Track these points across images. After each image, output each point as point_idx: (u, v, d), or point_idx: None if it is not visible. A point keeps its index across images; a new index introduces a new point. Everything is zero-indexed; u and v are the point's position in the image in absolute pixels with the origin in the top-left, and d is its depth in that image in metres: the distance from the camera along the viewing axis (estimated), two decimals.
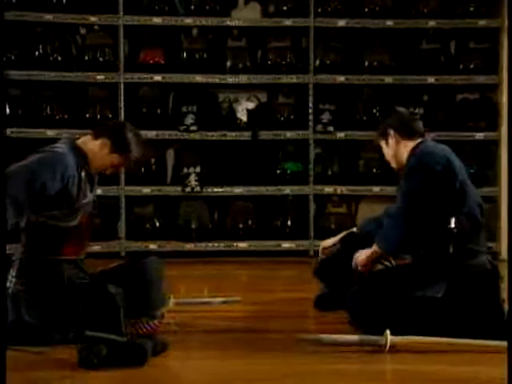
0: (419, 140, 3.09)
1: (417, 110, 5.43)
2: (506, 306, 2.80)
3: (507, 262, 2.79)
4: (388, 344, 2.68)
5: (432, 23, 5.48)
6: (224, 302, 3.51)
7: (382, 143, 3.13)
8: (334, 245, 3.40)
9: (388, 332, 2.69)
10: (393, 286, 2.92)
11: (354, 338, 2.75)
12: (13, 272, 2.81)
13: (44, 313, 2.74)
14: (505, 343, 2.61)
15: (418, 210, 2.86)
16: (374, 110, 5.45)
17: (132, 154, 2.92)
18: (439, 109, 5.53)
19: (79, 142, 2.94)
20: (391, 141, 3.07)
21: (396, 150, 3.06)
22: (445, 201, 2.89)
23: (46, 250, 2.79)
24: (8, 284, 2.80)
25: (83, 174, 2.87)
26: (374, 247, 2.96)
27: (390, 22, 5.43)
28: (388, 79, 5.41)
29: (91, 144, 2.92)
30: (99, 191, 5.17)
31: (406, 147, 3.04)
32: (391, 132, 3.06)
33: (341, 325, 3.03)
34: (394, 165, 3.12)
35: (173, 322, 3.21)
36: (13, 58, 5.24)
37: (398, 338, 2.70)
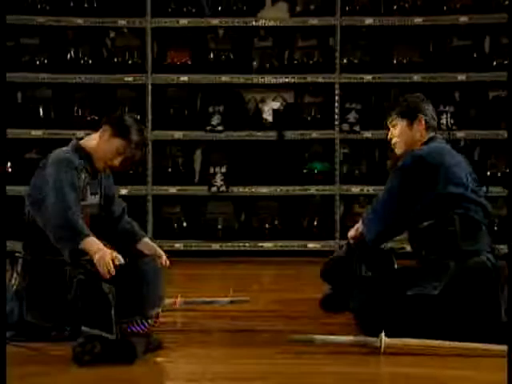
0: (431, 135, 3.05)
1: (447, 108, 5.33)
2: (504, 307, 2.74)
3: (507, 262, 2.73)
4: (383, 346, 2.64)
5: (464, 19, 5.34)
6: (231, 302, 3.52)
7: (402, 123, 3.03)
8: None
9: (383, 334, 2.66)
10: (391, 286, 2.89)
11: (347, 339, 2.72)
12: (17, 269, 2.89)
13: (44, 312, 2.81)
14: (502, 347, 2.58)
15: (397, 209, 2.87)
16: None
17: (132, 137, 2.93)
18: (471, 107, 5.40)
19: (82, 141, 3.01)
20: (417, 126, 3.01)
21: (416, 136, 3.01)
22: (429, 203, 2.84)
23: (46, 250, 2.83)
24: (13, 281, 2.88)
25: (83, 175, 2.92)
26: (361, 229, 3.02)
27: (419, 19, 5.34)
28: (416, 77, 5.32)
29: (92, 137, 2.98)
30: (125, 191, 5.33)
31: (423, 137, 3.01)
32: (422, 118, 3.00)
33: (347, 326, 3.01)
34: (400, 150, 3.06)
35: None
36: (45, 61, 5.42)
37: (393, 340, 2.67)
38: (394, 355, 2.64)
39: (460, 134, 5.34)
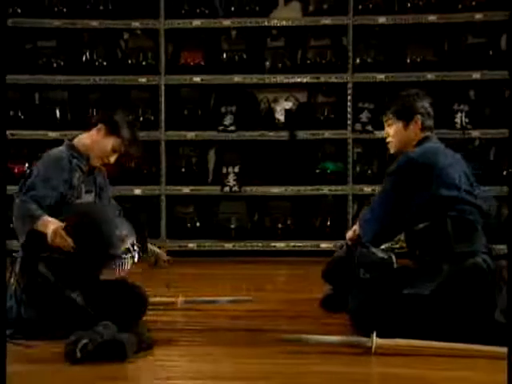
0: (427, 134, 3.02)
1: (461, 107, 5.27)
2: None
3: (507, 262, 2.69)
4: (374, 346, 2.64)
5: (479, 16, 5.27)
6: (232, 301, 3.54)
7: (398, 123, 3.01)
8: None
9: (374, 334, 2.65)
10: (385, 287, 2.89)
11: (339, 339, 2.72)
12: (15, 269, 2.95)
13: (40, 310, 2.85)
14: (495, 348, 2.55)
15: (392, 210, 2.86)
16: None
17: (125, 135, 2.99)
18: (486, 105, 5.32)
19: (75, 141, 3.06)
20: (413, 127, 2.99)
21: (410, 136, 2.99)
22: (424, 204, 2.83)
23: (42, 249, 2.88)
24: (12, 281, 2.94)
25: (77, 174, 2.98)
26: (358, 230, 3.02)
27: (433, 17, 5.28)
28: (430, 76, 5.27)
29: (86, 136, 3.04)
30: (138, 191, 5.39)
31: (417, 137, 2.99)
32: (419, 119, 2.98)
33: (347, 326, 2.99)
34: (394, 149, 3.05)
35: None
36: (62, 63, 5.50)
37: (385, 341, 2.66)
38: (386, 355, 2.64)
39: (475, 133, 5.28)
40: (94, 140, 2.99)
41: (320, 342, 2.72)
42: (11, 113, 5.53)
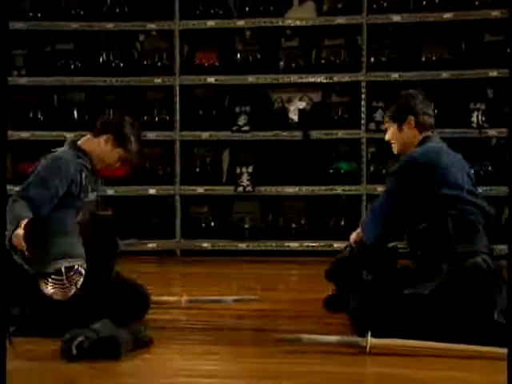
0: (427, 133, 3.01)
1: (478, 106, 5.20)
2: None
3: (507, 262, 2.66)
4: (369, 346, 2.63)
5: (496, 13, 5.20)
6: (237, 301, 3.55)
7: (394, 126, 3.03)
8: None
9: (369, 334, 2.64)
10: (385, 288, 2.88)
11: (334, 338, 2.72)
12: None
13: (42, 306, 2.89)
14: (493, 349, 2.52)
15: (394, 212, 2.82)
16: (432, 107, 5.25)
17: (133, 147, 3.06)
18: (503, 104, 5.24)
19: (80, 142, 3.11)
20: (407, 129, 2.99)
21: (408, 138, 3.00)
22: (426, 204, 2.80)
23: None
24: None
25: (83, 174, 3.02)
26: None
27: (448, 15, 5.23)
28: (445, 74, 5.21)
29: (93, 142, 3.08)
30: (153, 191, 5.44)
31: (416, 138, 2.99)
32: (412, 120, 2.98)
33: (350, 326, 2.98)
34: (397, 151, 3.07)
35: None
36: (79, 65, 5.58)
37: (380, 341, 2.65)
38: (382, 355, 2.63)
39: (491, 132, 5.21)
40: (101, 149, 3.05)
41: (318, 341, 2.72)
42: (31, 114, 5.63)
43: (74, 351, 2.58)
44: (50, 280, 2.71)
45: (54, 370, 2.53)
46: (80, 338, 2.60)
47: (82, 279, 2.74)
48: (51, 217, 2.84)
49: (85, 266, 2.76)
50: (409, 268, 2.96)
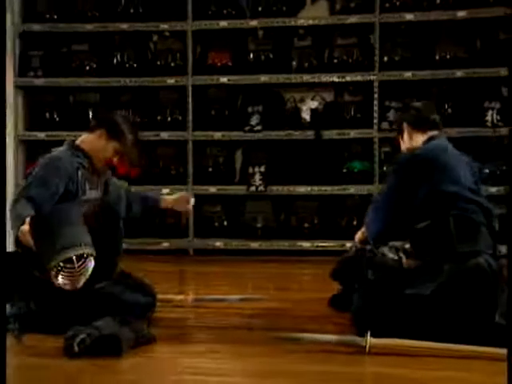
0: (432, 133, 3.02)
1: (492, 104, 5.15)
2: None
3: (507, 262, 2.64)
4: (368, 346, 2.63)
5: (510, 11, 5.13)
6: (242, 300, 3.56)
7: (400, 139, 3.18)
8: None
9: (368, 334, 2.64)
10: (386, 288, 2.87)
11: (334, 338, 2.72)
12: None
13: (46, 302, 2.94)
14: (493, 349, 2.51)
15: (395, 205, 2.87)
16: (446, 106, 5.23)
17: (127, 139, 3.06)
18: None
19: (78, 141, 3.15)
20: (405, 135, 3.11)
21: (409, 143, 3.09)
22: (426, 200, 2.79)
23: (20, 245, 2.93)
24: None
25: (80, 172, 3.06)
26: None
27: (462, 13, 5.18)
28: (459, 73, 5.17)
29: (89, 138, 3.12)
30: (166, 191, 5.46)
31: (418, 140, 3.04)
32: (404, 126, 3.09)
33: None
34: None
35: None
36: (94, 66, 5.64)
37: (379, 340, 2.65)
38: (381, 355, 2.62)
39: (506, 131, 5.15)
40: (96, 144, 3.08)
41: (317, 340, 2.72)
42: (47, 115, 5.71)
43: (76, 348, 2.60)
44: (60, 270, 2.71)
45: (56, 367, 2.56)
46: (82, 335, 2.62)
47: (91, 267, 2.76)
48: (56, 209, 2.85)
49: (94, 253, 2.77)
50: (411, 268, 2.95)
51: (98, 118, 3.19)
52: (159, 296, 3.29)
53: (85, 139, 3.15)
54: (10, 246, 2.75)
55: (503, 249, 2.90)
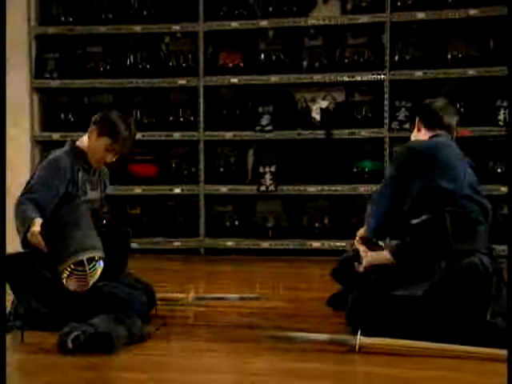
0: (437, 132, 3.01)
1: (504, 103, 5.09)
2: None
3: (507, 262, 2.62)
4: (358, 345, 2.63)
5: None
6: (241, 299, 3.58)
7: (412, 128, 3.22)
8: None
9: (359, 333, 2.64)
10: (380, 287, 2.86)
11: (325, 336, 2.72)
12: None
13: (46, 300, 2.99)
14: (484, 349, 2.49)
15: (391, 196, 2.87)
16: (458, 105, 5.18)
17: (117, 134, 3.06)
18: None
19: (77, 142, 3.19)
20: (415, 127, 3.13)
21: (417, 135, 3.10)
22: (421, 194, 2.78)
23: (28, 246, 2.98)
24: None
25: (80, 173, 3.10)
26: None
27: (474, 11, 5.13)
28: (471, 72, 5.12)
29: (84, 138, 3.15)
30: (178, 190, 5.52)
31: (425, 136, 3.05)
32: (417, 120, 3.12)
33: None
34: None
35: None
36: (108, 67, 5.71)
37: (370, 339, 2.65)
38: (371, 354, 2.62)
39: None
40: (90, 142, 3.11)
41: (309, 339, 2.73)
42: (62, 116, 5.79)
43: (70, 345, 2.64)
44: (72, 273, 2.75)
45: (51, 363, 2.58)
46: (76, 332, 2.66)
47: (101, 270, 2.80)
48: (66, 211, 2.87)
49: (103, 256, 2.81)
50: (405, 266, 2.93)
51: (94, 117, 3.22)
52: (160, 294, 3.33)
53: (83, 139, 3.20)
54: (9, 246, 2.80)
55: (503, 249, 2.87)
